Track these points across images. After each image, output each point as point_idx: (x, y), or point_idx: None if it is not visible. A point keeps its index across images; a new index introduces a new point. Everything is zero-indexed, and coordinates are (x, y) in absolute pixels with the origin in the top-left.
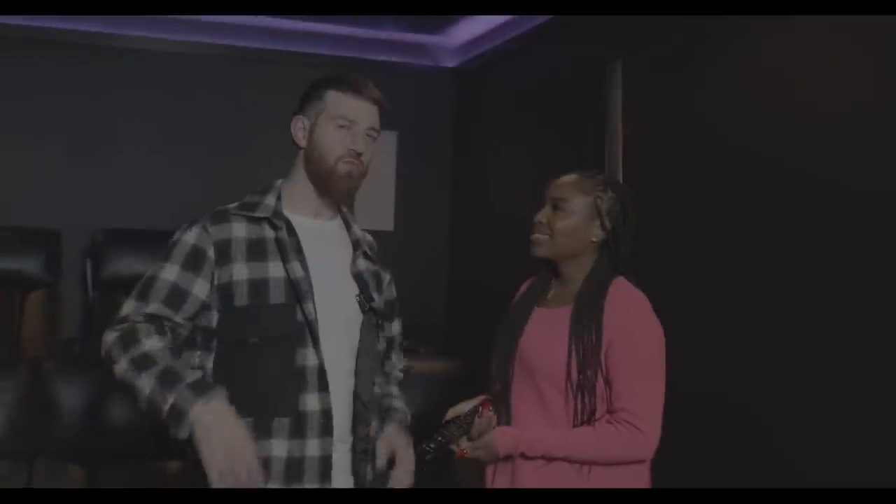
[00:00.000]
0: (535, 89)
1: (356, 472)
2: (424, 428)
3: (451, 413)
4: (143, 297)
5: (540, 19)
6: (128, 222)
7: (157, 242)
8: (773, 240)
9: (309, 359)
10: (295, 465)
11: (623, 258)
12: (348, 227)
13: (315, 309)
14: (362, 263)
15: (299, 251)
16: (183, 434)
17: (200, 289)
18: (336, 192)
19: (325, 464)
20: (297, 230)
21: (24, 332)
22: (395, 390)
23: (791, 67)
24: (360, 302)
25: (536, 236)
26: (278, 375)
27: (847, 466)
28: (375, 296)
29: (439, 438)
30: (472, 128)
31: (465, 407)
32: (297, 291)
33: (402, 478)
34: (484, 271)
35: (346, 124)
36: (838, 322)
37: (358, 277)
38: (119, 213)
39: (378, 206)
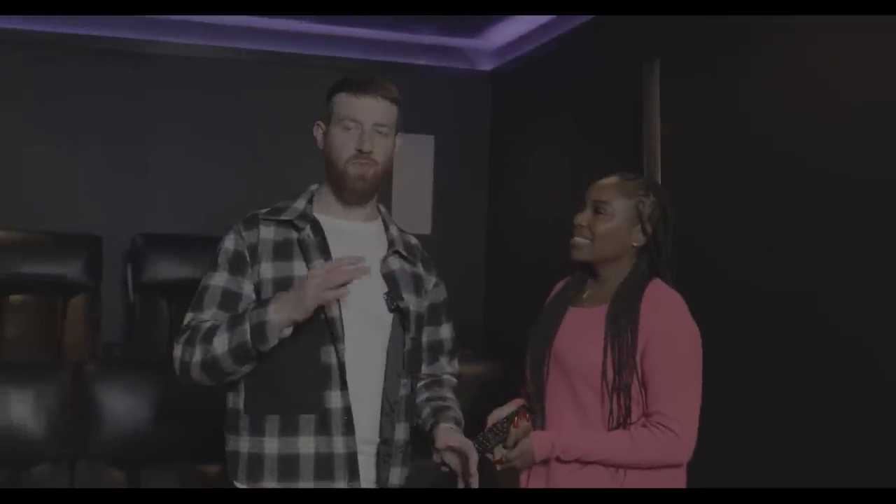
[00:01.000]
0: (572, 91)
1: (378, 476)
2: (468, 435)
3: (491, 419)
4: (199, 306)
5: (576, 21)
6: (167, 226)
7: (197, 246)
8: (812, 240)
9: (332, 356)
10: (324, 463)
11: (662, 261)
12: (387, 229)
13: (339, 307)
14: (395, 263)
15: (324, 251)
16: (274, 340)
17: (249, 289)
18: (351, 194)
19: (352, 461)
20: (327, 231)
21: (66, 336)
22: (448, 394)
23: (831, 66)
24: (386, 301)
25: (577, 240)
26: (302, 373)
27: (887, 466)
28: (409, 296)
29: (476, 446)
30: (508, 131)
31: (502, 412)
32: None
33: (470, 467)
34: (521, 274)
35: (351, 125)
36: (879, 323)
37: (388, 276)
38: (158, 218)
39: (415, 209)
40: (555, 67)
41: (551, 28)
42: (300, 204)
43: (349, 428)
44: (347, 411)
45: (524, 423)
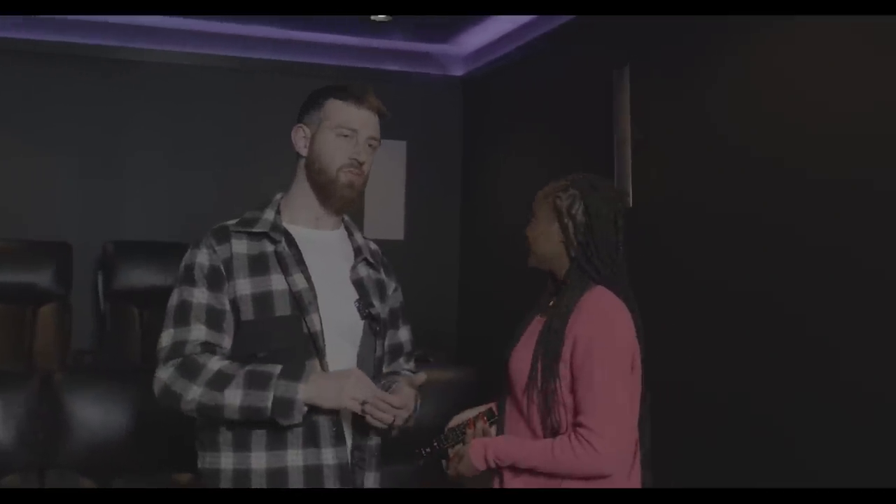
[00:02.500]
0: (544, 96)
1: (353, 482)
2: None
3: (454, 421)
4: (184, 322)
5: (547, 26)
6: (138, 234)
7: (168, 254)
8: (784, 242)
9: (317, 370)
10: (314, 475)
11: (594, 261)
12: (350, 236)
13: (320, 319)
14: (363, 270)
15: (300, 263)
16: (297, 419)
17: (228, 305)
18: (337, 202)
19: (343, 471)
20: (298, 241)
21: (35, 344)
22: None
23: (801, 69)
24: (358, 308)
25: (527, 250)
26: None
27: (853, 466)
28: (376, 303)
29: (435, 444)
30: (480, 136)
31: (467, 415)
32: (301, 303)
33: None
34: (494, 279)
35: (347, 133)
36: (845, 323)
37: (358, 284)
38: (129, 225)
39: (388, 215)
40: (526, 72)
41: (522, 33)
42: (269, 215)
43: (339, 439)
44: (336, 422)
45: (481, 426)
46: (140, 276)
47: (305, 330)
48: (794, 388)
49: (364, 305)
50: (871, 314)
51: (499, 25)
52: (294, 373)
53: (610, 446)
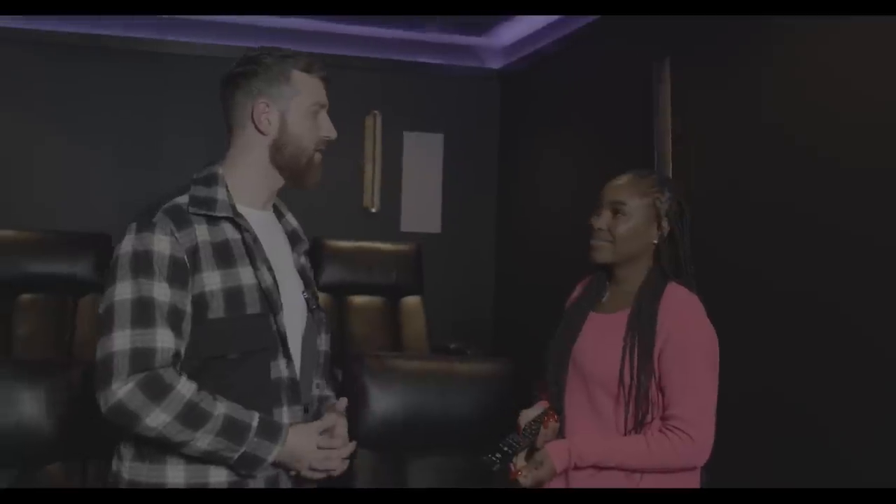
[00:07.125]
0: (582, 88)
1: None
2: (478, 432)
3: (522, 419)
4: (146, 323)
5: (586, 18)
6: None
7: None
8: (827, 237)
9: (283, 371)
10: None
11: (682, 259)
12: (282, 217)
13: (283, 317)
14: (301, 257)
15: (262, 252)
16: (257, 476)
17: (189, 305)
18: (310, 182)
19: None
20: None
21: (76, 335)
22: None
23: (843, 61)
24: (307, 300)
25: (597, 242)
26: (252, 391)
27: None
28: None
29: (505, 448)
30: (518, 128)
31: (531, 414)
32: (270, 300)
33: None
34: (531, 272)
35: (318, 110)
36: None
37: (301, 272)
38: None
39: (425, 208)
40: (564, 64)
41: (561, 25)
42: (222, 195)
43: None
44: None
45: (553, 425)
46: None
47: (275, 328)
48: (847, 388)
49: (312, 296)
50: None
51: (536, 18)
52: (270, 430)
53: (706, 436)
